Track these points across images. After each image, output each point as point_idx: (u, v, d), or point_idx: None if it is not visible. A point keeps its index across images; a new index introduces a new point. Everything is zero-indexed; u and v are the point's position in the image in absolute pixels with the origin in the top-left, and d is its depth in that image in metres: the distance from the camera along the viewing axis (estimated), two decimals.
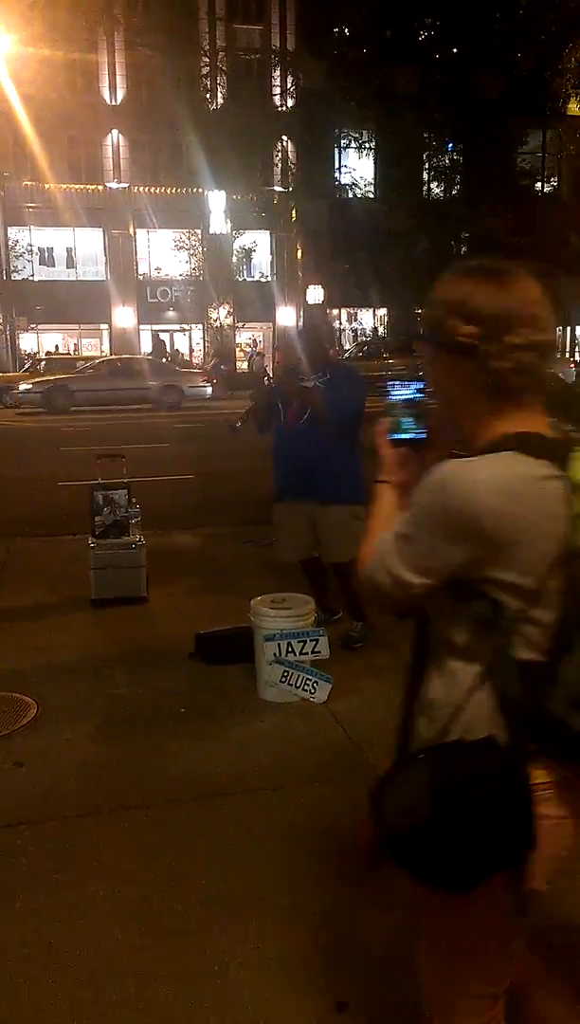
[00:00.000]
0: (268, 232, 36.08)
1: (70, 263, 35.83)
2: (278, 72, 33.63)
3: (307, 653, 3.90)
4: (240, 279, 36.02)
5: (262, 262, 37.33)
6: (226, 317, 36.17)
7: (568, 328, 40.55)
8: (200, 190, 33.89)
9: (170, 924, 2.44)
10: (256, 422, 4.69)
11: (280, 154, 34.39)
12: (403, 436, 1.56)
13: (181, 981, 2.22)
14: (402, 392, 1.57)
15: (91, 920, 2.46)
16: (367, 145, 35.04)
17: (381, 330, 37.27)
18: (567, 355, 35.97)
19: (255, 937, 2.38)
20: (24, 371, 28.41)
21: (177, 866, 2.70)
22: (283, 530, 4.65)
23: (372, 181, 35.17)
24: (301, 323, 4.72)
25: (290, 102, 33.89)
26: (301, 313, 37.04)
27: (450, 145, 33.95)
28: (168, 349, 32.67)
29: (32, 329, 34.65)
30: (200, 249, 35.52)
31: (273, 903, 2.52)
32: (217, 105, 33.23)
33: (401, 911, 2.46)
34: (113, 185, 34.86)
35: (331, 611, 4.81)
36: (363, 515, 4.42)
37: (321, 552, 4.58)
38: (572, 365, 27.56)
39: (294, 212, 34.85)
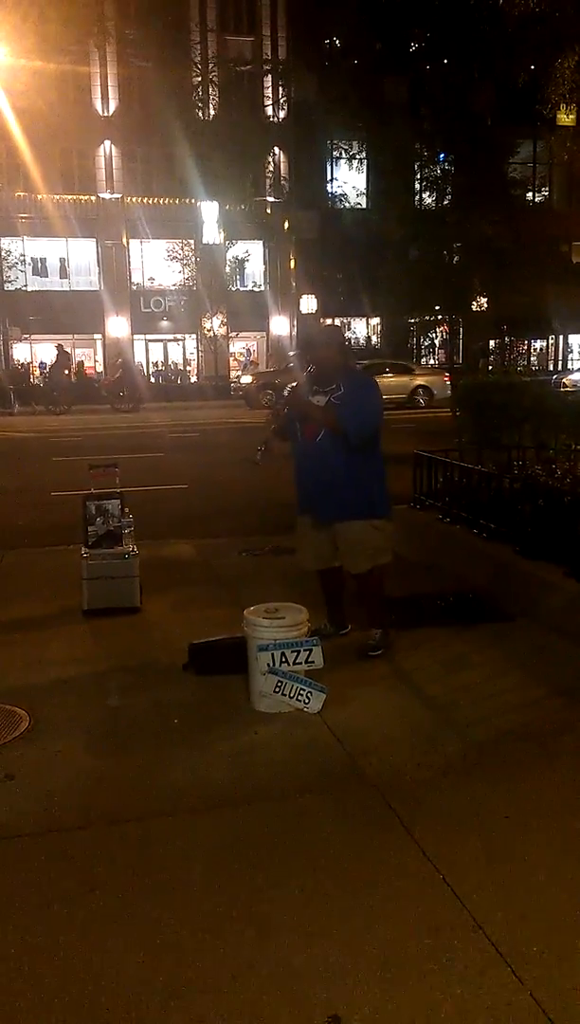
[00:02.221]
0: (261, 242, 36.19)
1: (63, 273, 35.89)
2: (270, 82, 33.80)
3: (301, 663, 3.88)
4: (233, 289, 36.09)
5: (255, 272, 37.42)
6: (220, 327, 36.23)
7: (560, 337, 40.70)
8: (193, 200, 34.01)
9: (163, 937, 2.41)
10: (281, 436, 4.62)
11: (272, 164, 34.53)
12: None
13: (172, 995, 2.20)
14: None
15: (84, 934, 2.43)
16: (359, 156, 35.20)
17: (374, 339, 37.35)
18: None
19: (249, 949, 2.36)
20: None
21: (171, 878, 2.68)
22: (304, 541, 4.67)
23: (364, 191, 35.33)
24: (311, 336, 4.68)
25: (282, 112, 34.04)
26: (295, 323, 37.15)
27: (441, 155, 34.11)
28: (72, 361, 30.93)
29: (26, 339, 34.67)
30: (193, 259, 35.59)
31: (268, 914, 2.50)
32: (209, 116, 33.38)
33: (398, 922, 2.45)
34: (106, 195, 34.94)
35: (341, 625, 4.77)
36: (382, 526, 4.45)
37: (342, 562, 4.56)
38: (446, 377, 26.03)
39: (286, 222, 34.96)
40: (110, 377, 30.77)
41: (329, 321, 37.70)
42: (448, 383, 24.91)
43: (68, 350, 31.08)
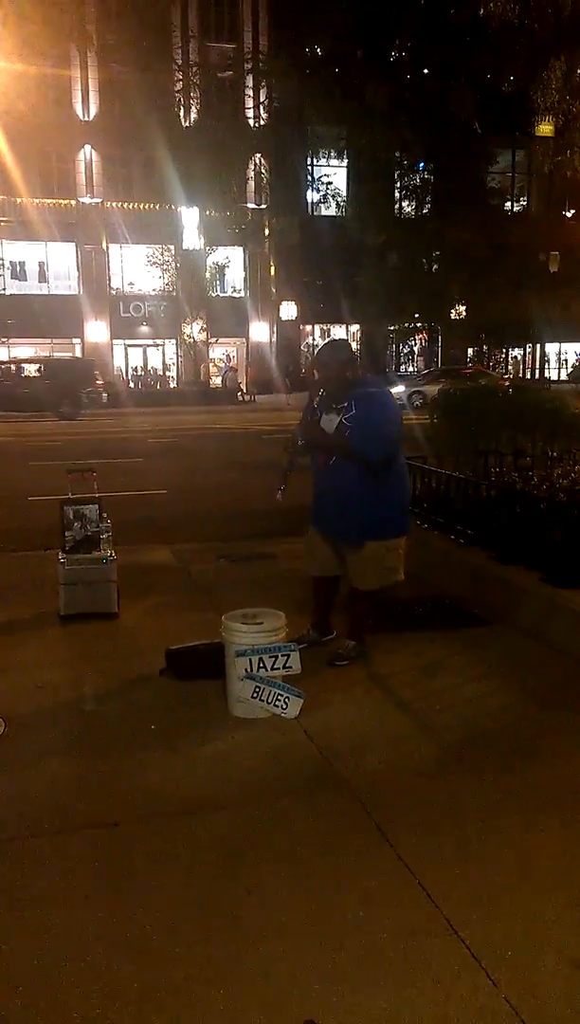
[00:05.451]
0: (241, 248, 36.25)
1: (42, 277, 35.77)
2: (251, 88, 33.89)
3: (279, 668, 3.89)
4: (213, 294, 36.13)
5: (235, 278, 37.47)
6: (199, 332, 36.22)
7: (537, 345, 41.05)
8: (173, 206, 34.00)
9: (137, 943, 2.41)
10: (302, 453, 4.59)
11: (253, 170, 34.60)
12: None
13: (146, 1000, 2.19)
14: None
15: (58, 940, 2.42)
16: (339, 163, 35.35)
17: (355, 345, 37.45)
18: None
19: (225, 953, 2.36)
20: None
21: (146, 882, 2.67)
22: (311, 547, 4.71)
23: (344, 198, 35.48)
24: (317, 357, 4.66)
25: (263, 118, 34.12)
26: (275, 329, 37.16)
27: (421, 163, 34.35)
28: None
29: (3, 343, 34.49)
30: (173, 264, 35.58)
31: (243, 919, 2.50)
32: (190, 121, 33.42)
33: (373, 925, 2.46)
34: (86, 200, 34.87)
35: (325, 631, 4.76)
36: (395, 546, 4.45)
37: (351, 578, 4.55)
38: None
39: (267, 228, 35.01)
40: None
41: (316, 330, 37.87)
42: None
43: None
